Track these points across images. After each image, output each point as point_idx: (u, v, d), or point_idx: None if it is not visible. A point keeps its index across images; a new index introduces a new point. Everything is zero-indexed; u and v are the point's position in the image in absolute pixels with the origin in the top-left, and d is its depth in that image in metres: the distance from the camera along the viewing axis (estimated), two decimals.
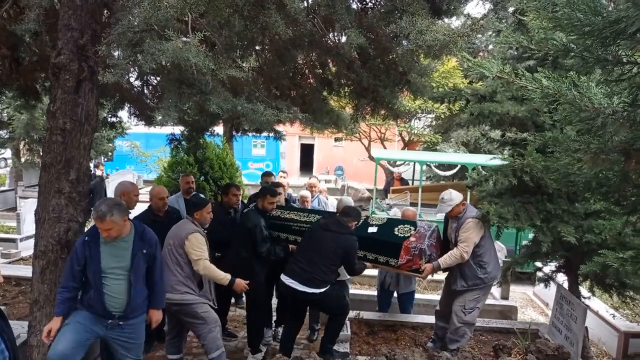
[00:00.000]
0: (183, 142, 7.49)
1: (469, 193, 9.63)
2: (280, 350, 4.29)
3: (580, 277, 4.99)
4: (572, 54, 2.03)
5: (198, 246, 3.93)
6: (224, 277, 4.03)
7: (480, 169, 8.11)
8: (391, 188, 12.62)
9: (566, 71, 2.51)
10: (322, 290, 4.18)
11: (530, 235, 5.45)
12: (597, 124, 1.88)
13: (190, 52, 2.16)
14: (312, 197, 7.30)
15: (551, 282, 5.52)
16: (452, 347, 4.45)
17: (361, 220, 4.82)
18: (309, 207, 6.90)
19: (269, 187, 5.32)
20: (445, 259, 4.39)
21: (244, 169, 18.12)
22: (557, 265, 5.35)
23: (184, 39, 2.22)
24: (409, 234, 4.52)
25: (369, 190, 15.27)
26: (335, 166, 24.08)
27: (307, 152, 25.74)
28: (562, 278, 5.41)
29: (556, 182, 3.20)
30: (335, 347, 4.45)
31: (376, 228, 4.71)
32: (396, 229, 4.65)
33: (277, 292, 5.03)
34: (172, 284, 3.94)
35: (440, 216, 10.44)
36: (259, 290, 4.55)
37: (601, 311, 6.15)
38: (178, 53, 2.14)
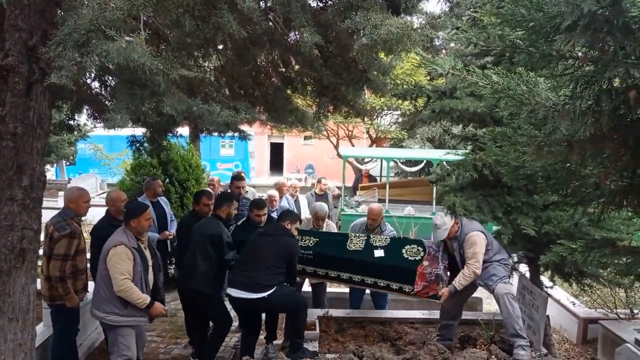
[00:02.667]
0: (145, 144, 7.34)
1: (434, 188, 9.77)
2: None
3: (541, 267, 5.14)
4: (519, 49, 2.08)
5: (118, 262, 3.66)
6: (143, 299, 3.72)
7: (445, 164, 8.24)
8: (359, 185, 12.72)
9: (522, 67, 2.57)
10: (268, 293, 4.13)
11: (494, 228, 5.58)
12: (539, 117, 1.94)
13: (136, 51, 2.10)
14: (280, 198, 7.29)
15: (514, 273, 5.66)
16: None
17: (364, 242, 4.69)
18: (277, 207, 6.86)
19: (232, 193, 5.22)
20: (460, 281, 4.26)
21: (212, 169, 17.92)
22: (519, 256, 5.49)
23: (127, 38, 2.16)
24: (419, 257, 4.40)
25: (338, 187, 15.33)
26: (305, 165, 24.05)
27: (276, 151, 25.65)
28: (524, 269, 5.57)
29: (507, 175, 3.29)
30: (305, 346, 4.43)
31: (382, 251, 4.55)
32: (404, 250, 4.51)
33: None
34: (98, 300, 3.79)
35: (408, 211, 10.61)
36: (215, 304, 4.50)
37: (562, 299, 6.35)
38: (122, 53, 2.08)
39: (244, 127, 8.20)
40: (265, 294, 4.12)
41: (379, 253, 4.51)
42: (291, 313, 4.43)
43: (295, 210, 7.93)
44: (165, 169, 7.22)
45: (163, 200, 6.11)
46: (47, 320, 4.56)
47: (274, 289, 4.16)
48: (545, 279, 5.48)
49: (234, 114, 3.09)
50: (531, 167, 2.54)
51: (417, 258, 4.37)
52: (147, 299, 3.76)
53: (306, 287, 5.68)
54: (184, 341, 5.36)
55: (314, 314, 5.13)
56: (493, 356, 3.95)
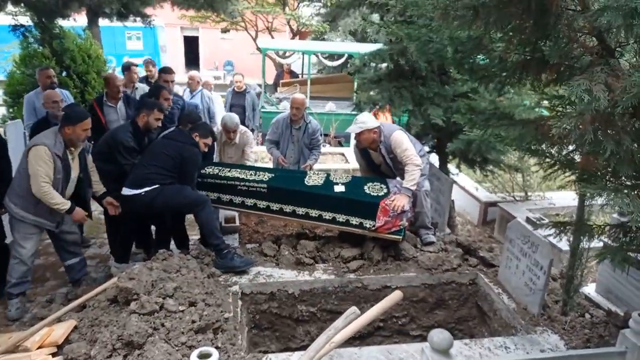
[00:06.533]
0: (33, 31, 6.48)
1: (355, 81, 9.72)
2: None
3: (449, 156, 5.45)
4: None
5: (37, 161, 3.46)
6: (62, 204, 3.58)
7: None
8: (281, 81, 12.40)
9: None
10: (146, 189, 3.88)
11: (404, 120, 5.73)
12: None
13: None
14: (192, 93, 6.87)
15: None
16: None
17: (323, 178, 4.45)
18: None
19: (155, 101, 4.53)
20: (410, 180, 4.09)
21: (119, 65, 16.45)
22: (429, 146, 5.76)
23: None
24: (382, 193, 4.17)
25: (259, 85, 14.86)
26: (223, 61, 22.84)
27: (191, 46, 23.94)
28: (434, 158, 5.88)
29: (418, 51, 3.26)
30: (230, 247, 4.11)
31: (343, 187, 4.29)
32: (366, 187, 4.29)
33: None
34: (12, 192, 3.63)
35: (329, 107, 10.60)
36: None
37: (467, 186, 6.88)
38: None
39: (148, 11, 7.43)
40: (141, 190, 3.88)
41: (339, 188, 4.27)
42: (194, 214, 4.06)
43: (211, 109, 7.43)
44: (60, 60, 6.45)
45: (64, 94, 5.49)
46: None
47: (153, 186, 3.90)
48: (452, 167, 5.85)
49: None
50: (440, 41, 2.50)
51: (380, 194, 4.17)
52: (67, 203, 3.63)
53: None
54: (98, 241, 5.24)
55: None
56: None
